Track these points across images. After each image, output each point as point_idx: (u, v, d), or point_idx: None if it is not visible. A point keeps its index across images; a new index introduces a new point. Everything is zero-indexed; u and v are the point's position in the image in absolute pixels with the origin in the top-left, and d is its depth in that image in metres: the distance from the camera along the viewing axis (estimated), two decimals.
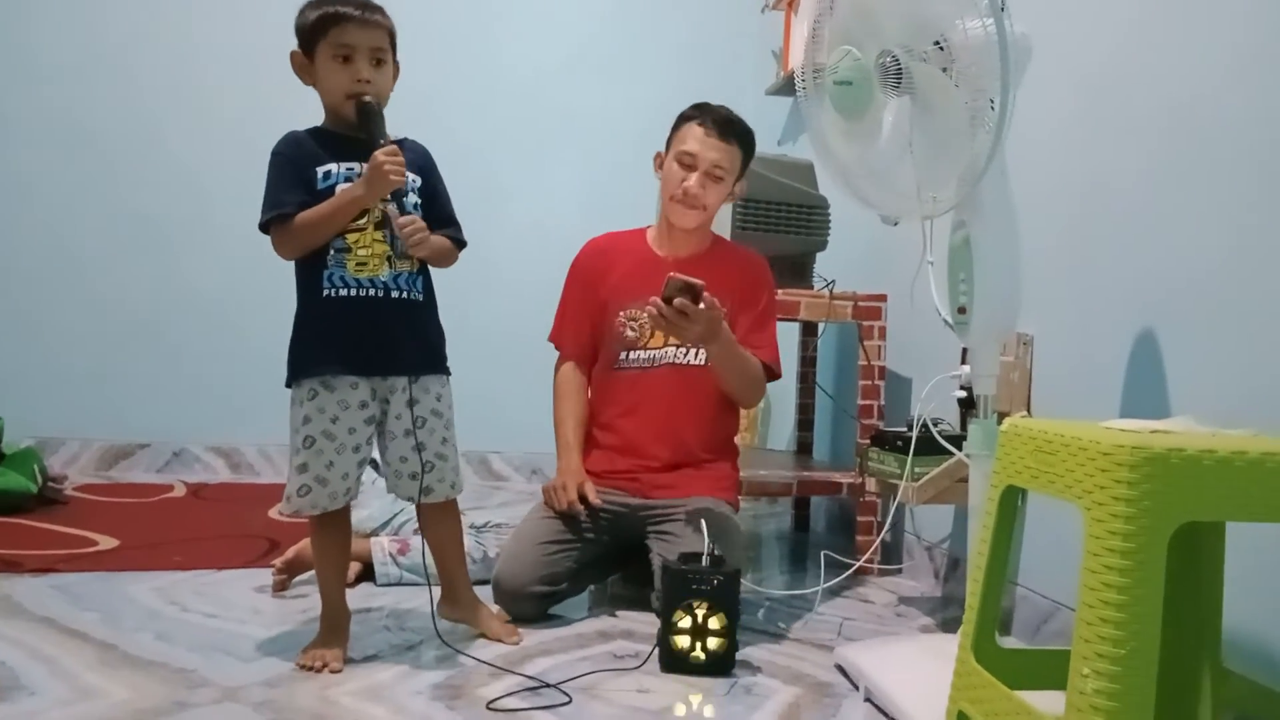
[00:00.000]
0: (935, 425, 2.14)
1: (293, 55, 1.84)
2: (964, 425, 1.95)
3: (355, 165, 1.81)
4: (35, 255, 3.84)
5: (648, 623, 2.14)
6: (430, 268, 1.92)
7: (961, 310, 1.76)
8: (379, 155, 1.74)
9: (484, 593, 2.10)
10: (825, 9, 1.80)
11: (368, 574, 2.39)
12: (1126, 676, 1.08)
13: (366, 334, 1.82)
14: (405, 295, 1.86)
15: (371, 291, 1.83)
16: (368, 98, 1.80)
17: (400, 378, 1.87)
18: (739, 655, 1.90)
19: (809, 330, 3.39)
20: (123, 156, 3.90)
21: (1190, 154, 1.75)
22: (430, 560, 2.02)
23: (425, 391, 1.89)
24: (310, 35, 1.81)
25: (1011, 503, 1.39)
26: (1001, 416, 1.75)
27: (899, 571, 2.76)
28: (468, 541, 2.14)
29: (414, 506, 1.99)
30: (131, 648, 1.85)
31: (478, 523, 2.53)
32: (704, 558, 1.90)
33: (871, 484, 2.68)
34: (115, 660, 1.78)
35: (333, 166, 1.82)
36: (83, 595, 2.17)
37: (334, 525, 1.88)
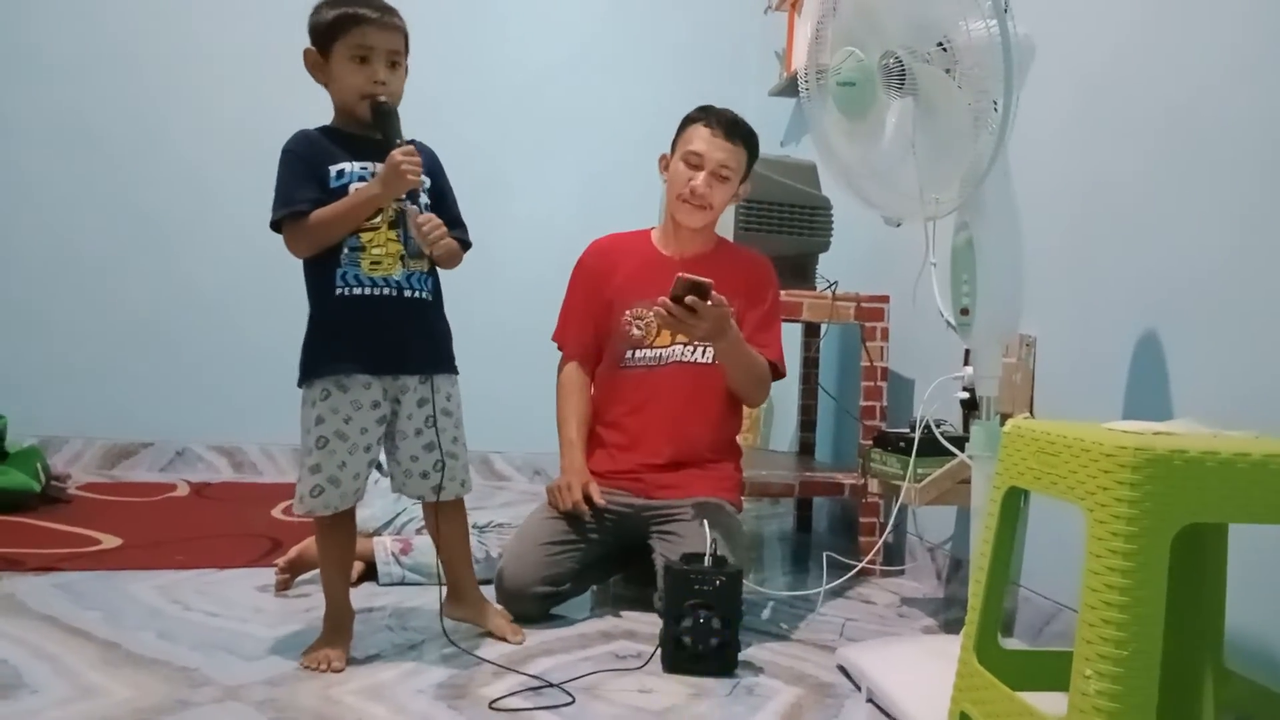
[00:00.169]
0: (938, 426, 2.14)
1: (306, 53, 1.84)
2: (966, 426, 1.95)
3: (368, 164, 1.82)
4: (38, 254, 3.85)
5: (650, 623, 2.14)
6: (437, 268, 1.93)
7: (964, 311, 1.76)
8: (396, 155, 1.75)
9: (486, 593, 2.10)
10: (828, 10, 1.80)
11: (370, 573, 2.39)
12: (1129, 678, 1.08)
13: (380, 333, 1.83)
14: (417, 295, 1.87)
15: (386, 290, 1.83)
16: (384, 99, 1.81)
17: (411, 377, 1.88)
18: (741, 656, 1.90)
19: (811, 331, 3.39)
20: (125, 155, 3.91)
21: (1192, 154, 1.75)
22: (435, 559, 2.02)
23: (436, 391, 1.90)
24: (327, 34, 1.81)
25: (1014, 504, 1.39)
26: (1004, 418, 1.75)
27: (901, 572, 2.76)
28: (470, 541, 2.14)
29: (417, 506, 1.99)
30: (134, 646, 1.85)
31: (480, 523, 2.53)
32: (706, 558, 1.90)
33: (874, 485, 2.68)
34: (117, 659, 1.79)
35: (345, 165, 1.82)
36: (85, 594, 2.18)
37: (339, 525, 1.88)
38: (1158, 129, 1.85)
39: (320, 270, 1.82)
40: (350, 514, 1.91)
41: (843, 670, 1.89)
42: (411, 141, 1.82)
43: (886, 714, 1.69)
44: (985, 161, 1.60)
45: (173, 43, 3.93)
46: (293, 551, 2.30)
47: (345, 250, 1.81)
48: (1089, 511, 1.14)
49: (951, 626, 2.23)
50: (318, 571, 2.12)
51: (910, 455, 2.15)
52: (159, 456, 3.93)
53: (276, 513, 3.17)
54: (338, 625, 1.86)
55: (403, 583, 2.37)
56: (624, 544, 2.29)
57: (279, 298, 3.63)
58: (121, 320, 3.90)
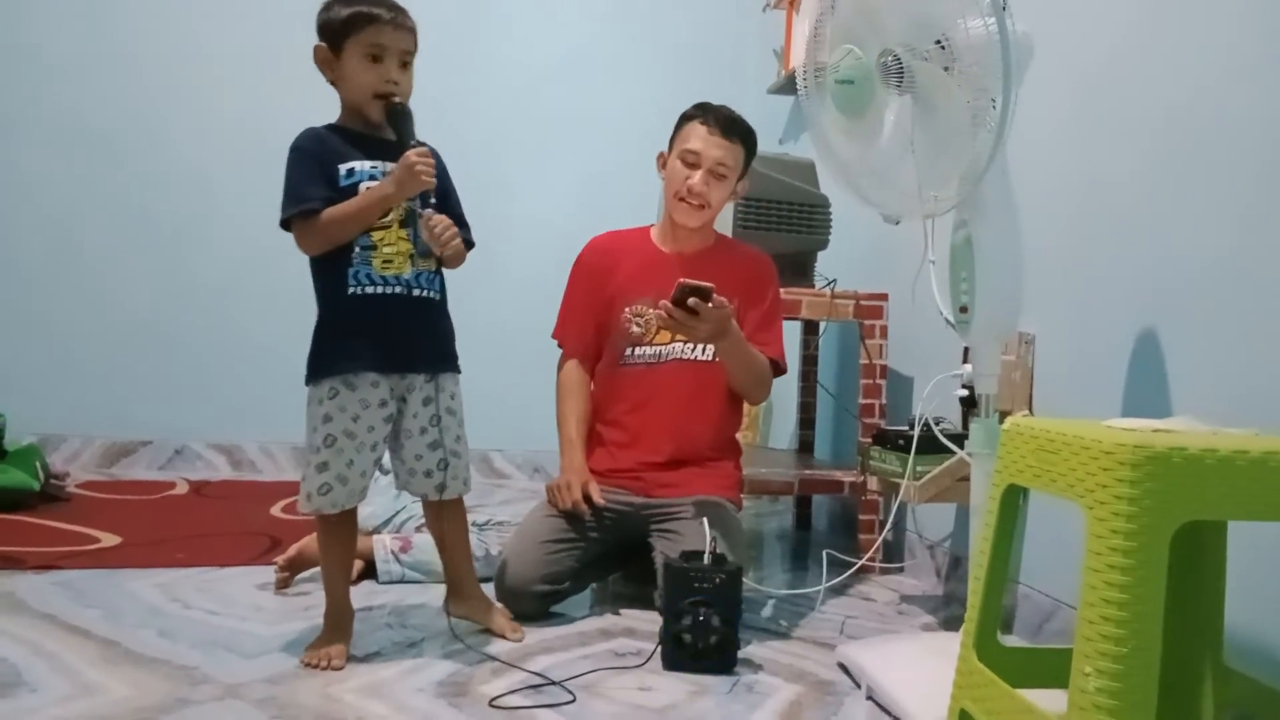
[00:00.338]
0: (937, 424, 2.14)
1: (317, 49, 1.84)
2: (965, 424, 1.95)
3: (379, 163, 1.83)
4: (38, 252, 3.84)
5: (649, 620, 2.14)
6: (443, 267, 1.94)
7: (963, 309, 1.76)
8: (411, 156, 1.77)
9: (486, 590, 2.10)
10: (827, 8, 1.79)
11: (369, 572, 2.39)
12: (1128, 675, 1.08)
13: (390, 332, 1.83)
14: (426, 294, 1.88)
15: (397, 289, 1.84)
16: (398, 99, 1.83)
17: (418, 376, 1.89)
18: (741, 653, 1.90)
19: (810, 329, 3.40)
20: (125, 154, 3.91)
21: (1189, 152, 1.75)
22: (438, 556, 2.02)
23: (440, 389, 1.91)
24: (340, 31, 1.82)
25: (1013, 502, 1.40)
26: (1003, 415, 1.75)
27: (901, 570, 2.76)
28: (470, 539, 2.14)
29: (416, 504, 1.99)
30: (133, 645, 1.85)
31: (479, 521, 2.53)
32: (706, 556, 1.90)
33: (873, 483, 2.68)
34: (117, 657, 1.79)
35: (355, 164, 1.83)
36: (85, 592, 2.18)
37: (342, 523, 1.89)
38: (1156, 127, 1.85)
39: (331, 269, 1.82)
40: (352, 512, 1.91)
41: (842, 668, 1.90)
42: (421, 143, 1.83)
43: (886, 711, 1.69)
44: (984, 159, 1.60)
45: (174, 42, 3.93)
46: (292, 549, 2.30)
47: (357, 249, 1.81)
48: (1088, 509, 1.14)
49: (951, 624, 2.23)
50: (317, 569, 2.13)
51: (909, 453, 2.16)
52: (158, 454, 3.93)
53: (276, 511, 3.16)
54: (338, 623, 1.86)
55: (402, 581, 2.37)
56: (624, 542, 2.29)
57: (278, 296, 3.65)
58: (120, 318, 3.90)
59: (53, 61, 3.84)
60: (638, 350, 2.35)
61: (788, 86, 3.65)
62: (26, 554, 2.46)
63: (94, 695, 1.61)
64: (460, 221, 1.94)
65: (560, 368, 2.43)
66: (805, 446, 3.41)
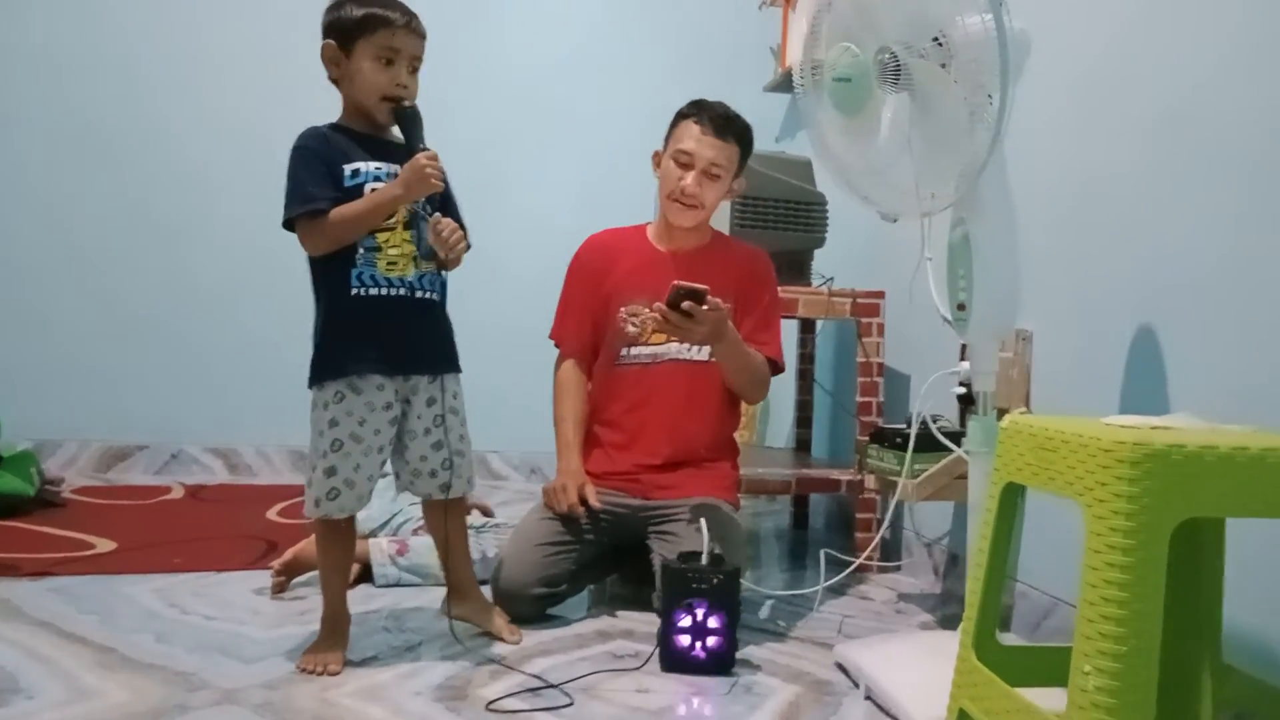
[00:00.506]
0: (934, 422, 2.14)
1: (326, 46, 1.84)
2: (963, 422, 1.95)
3: (383, 165, 1.83)
4: (34, 255, 3.83)
5: (647, 622, 2.13)
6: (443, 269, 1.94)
7: (961, 307, 1.75)
8: (421, 159, 1.77)
9: (483, 592, 2.10)
10: (824, 5, 1.79)
11: (366, 575, 2.39)
12: (1128, 673, 1.08)
13: (394, 334, 1.83)
14: (428, 295, 1.88)
15: (401, 291, 1.84)
16: (408, 102, 1.83)
17: (422, 377, 1.89)
18: (739, 654, 1.90)
19: (807, 327, 3.39)
20: (125, 155, 3.90)
21: (1187, 149, 1.75)
22: (435, 559, 2.01)
23: (444, 389, 1.91)
24: (353, 31, 1.81)
25: (1012, 500, 1.39)
26: (1001, 413, 1.74)
27: (898, 569, 2.76)
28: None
29: (414, 507, 1.98)
30: (130, 650, 1.85)
31: (477, 523, 2.53)
32: (704, 557, 1.90)
33: (870, 481, 2.68)
34: (114, 662, 1.78)
35: (361, 164, 1.82)
36: (81, 598, 2.17)
37: (342, 528, 1.88)
38: (1154, 124, 1.85)
39: (334, 270, 1.82)
40: (353, 516, 1.90)
41: (840, 668, 1.89)
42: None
43: (885, 711, 1.68)
44: (981, 157, 1.59)
45: (174, 43, 3.92)
46: (288, 553, 2.29)
47: (361, 250, 1.81)
48: (1087, 507, 1.14)
49: (949, 622, 2.23)
50: (313, 573, 2.12)
51: (907, 451, 2.15)
52: (154, 459, 3.91)
53: (272, 514, 3.15)
54: (335, 627, 1.86)
55: (399, 584, 2.37)
56: (621, 544, 2.28)
57: (276, 298, 3.64)
58: (116, 322, 3.89)
59: (52, 61, 3.83)
60: (633, 350, 2.35)
61: (784, 84, 3.64)
62: (22, 560, 2.45)
63: (91, 701, 1.60)
64: (459, 224, 1.94)
65: (558, 367, 2.42)
66: (802, 445, 3.41)
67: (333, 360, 1.82)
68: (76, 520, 2.94)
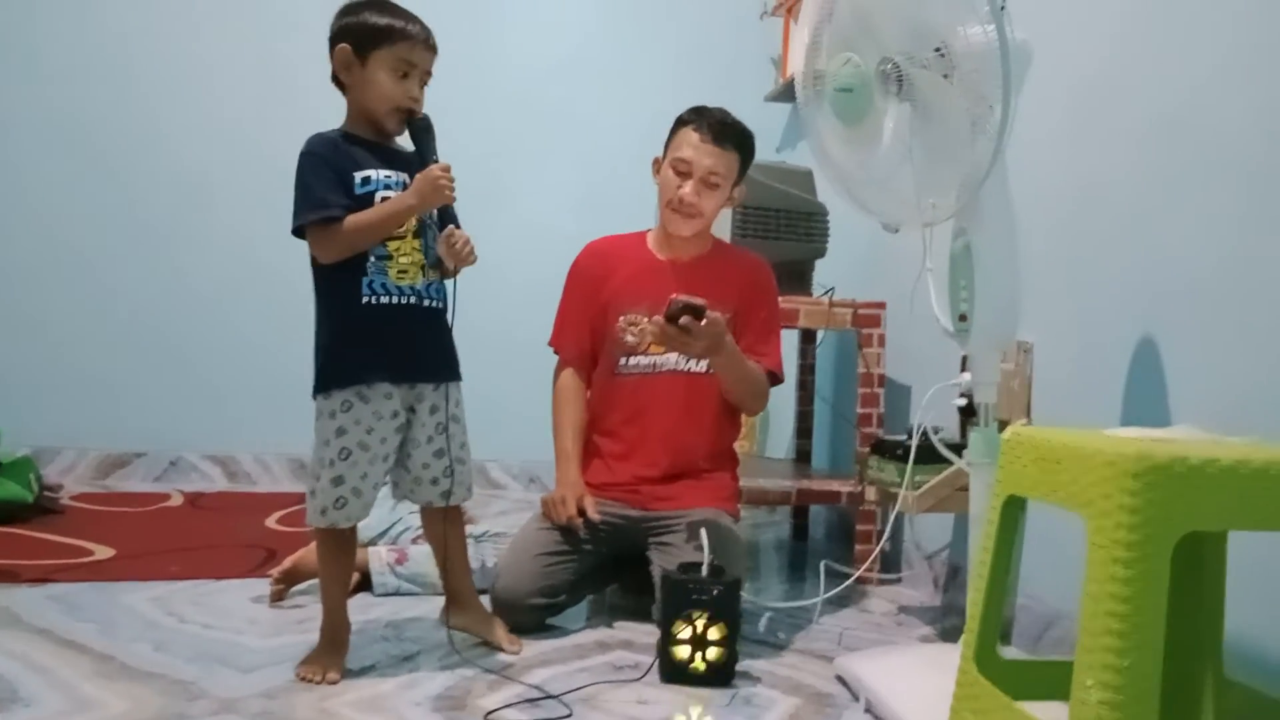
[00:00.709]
0: (935, 433, 2.14)
1: (341, 50, 1.83)
2: (964, 433, 1.95)
3: (394, 173, 1.84)
4: (31, 261, 3.82)
5: (646, 633, 2.13)
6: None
7: (962, 318, 1.75)
8: (435, 170, 1.78)
9: (483, 602, 2.09)
10: (825, 15, 1.79)
11: (365, 584, 2.38)
12: (1130, 687, 1.07)
13: (402, 342, 1.84)
14: (434, 304, 1.89)
15: (411, 299, 1.85)
16: (423, 114, 1.85)
17: (427, 385, 1.89)
18: (739, 666, 1.89)
19: (808, 338, 3.39)
20: (121, 160, 3.88)
21: (1187, 159, 1.75)
22: (434, 568, 2.01)
23: (448, 398, 1.91)
24: (370, 39, 1.82)
25: (1014, 512, 1.39)
26: (1002, 424, 1.74)
27: (898, 581, 2.75)
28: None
29: (412, 515, 1.98)
30: (129, 658, 1.84)
31: (476, 532, 2.52)
32: (704, 568, 1.89)
33: (871, 493, 2.68)
34: (113, 671, 1.77)
35: (372, 172, 1.83)
36: (80, 605, 2.16)
37: (344, 537, 1.88)
38: (1154, 134, 1.85)
39: (343, 278, 1.81)
40: (354, 525, 1.90)
41: (841, 680, 1.89)
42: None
43: None
44: (983, 167, 1.59)
45: (171, 47, 3.92)
46: (287, 562, 2.29)
47: (372, 258, 1.81)
48: (1089, 520, 1.13)
49: (949, 634, 2.22)
50: (312, 582, 2.11)
51: (907, 462, 2.15)
52: (152, 466, 3.90)
53: (271, 523, 3.15)
54: (334, 637, 1.85)
55: (398, 593, 2.36)
56: (620, 554, 2.27)
57: (275, 306, 3.64)
58: (115, 329, 3.88)
59: (49, 65, 3.82)
60: (632, 360, 2.34)
61: (785, 94, 3.65)
62: (21, 567, 2.44)
63: (90, 710, 1.59)
64: None
65: (557, 375, 2.42)
66: (802, 456, 3.40)
67: (342, 369, 1.82)
68: (75, 527, 2.93)
